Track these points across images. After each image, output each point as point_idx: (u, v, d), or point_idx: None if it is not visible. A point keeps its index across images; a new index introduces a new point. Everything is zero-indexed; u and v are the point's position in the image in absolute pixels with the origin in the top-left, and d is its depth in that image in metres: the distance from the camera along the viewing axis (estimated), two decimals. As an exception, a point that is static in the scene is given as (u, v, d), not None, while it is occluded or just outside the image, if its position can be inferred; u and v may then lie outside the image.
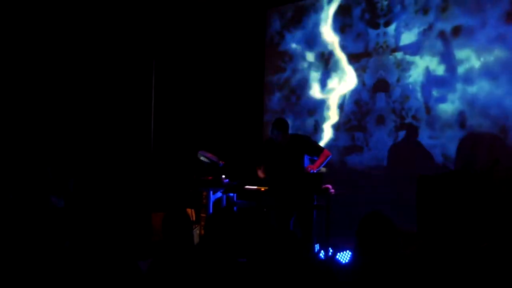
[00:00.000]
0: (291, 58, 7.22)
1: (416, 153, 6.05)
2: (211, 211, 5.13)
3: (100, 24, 6.69)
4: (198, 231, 6.34)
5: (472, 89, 5.58)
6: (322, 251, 5.25)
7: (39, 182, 5.20)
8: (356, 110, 6.56)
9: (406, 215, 5.07)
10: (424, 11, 5.99)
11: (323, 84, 6.90)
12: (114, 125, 6.74)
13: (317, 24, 6.95)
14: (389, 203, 5.74)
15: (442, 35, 5.85)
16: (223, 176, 5.17)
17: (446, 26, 5.82)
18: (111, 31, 6.78)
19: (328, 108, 6.85)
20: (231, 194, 5.16)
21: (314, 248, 5.18)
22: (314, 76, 6.97)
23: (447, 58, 5.82)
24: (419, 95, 6.02)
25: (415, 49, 6.05)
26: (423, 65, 5.97)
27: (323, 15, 6.89)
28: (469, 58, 5.62)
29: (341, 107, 6.67)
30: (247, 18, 7.42)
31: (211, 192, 5.15)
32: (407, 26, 6.13)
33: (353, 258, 2.93)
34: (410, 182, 5.11)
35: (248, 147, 6.97)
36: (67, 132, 6.49)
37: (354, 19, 6.61)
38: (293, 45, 7.22)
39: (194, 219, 6.65)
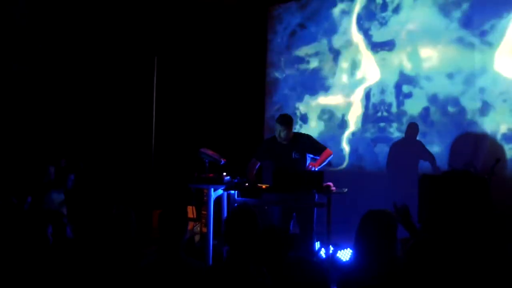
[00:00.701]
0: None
1: (418, 151, 6.05)
2: (212, 208, 5.12)
3: (103, 22, 6.68)
4: (199, 228, 6.34)
5: None
6: (323, 249, 5.25)
7: (40, 180, 5.21)
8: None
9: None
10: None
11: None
12: (116, 123, 6.74)
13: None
14: (390, 202, 5.74)
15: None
16: (224, 174, 5.17)
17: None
18: (113, 29, 6.78)
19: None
20: (232, 192, 5.15)
21: (314, 245, 5.17)
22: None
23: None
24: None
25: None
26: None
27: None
28: None
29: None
30: (249, 15, 7.41)
31: (212, 189, 5.14)
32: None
33: (354, 256, 2.91)
34: (411, 181, 5.12)
35: (249, 144, 6.97)
36: (68, 128, 6.50)
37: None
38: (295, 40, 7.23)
39: (195, 216, 6.66)
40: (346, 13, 6.78)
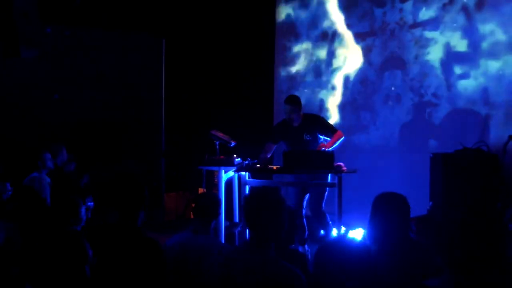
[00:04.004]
0: (297, 36, 7.20)
1: (430, 131, 6.02)
2: (222, 190, 5.14)
3: (111, 4, 6.66)
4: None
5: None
6: (334, 229, 5.26)
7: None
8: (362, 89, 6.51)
9: (419, 194, 5.07)
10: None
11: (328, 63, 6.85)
12: (126, 105, 6.75)
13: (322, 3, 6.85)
14: (401, 181, 5.74)
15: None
16: (235, 156, 5.18)
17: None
18: (121, 12, 6.75)
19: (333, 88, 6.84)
20: (243, 174, 5.17)
21: (329, 225, 5.19)
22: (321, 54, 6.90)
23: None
24: (439, 72, 5.91)
25: (435, 25, 5.92)
26: (443, 41, 5.86)
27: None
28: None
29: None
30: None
31: (223, 171, 5.16)
32: (426, 2, 6.00)
33: (368, 238, 2.91)
34: (423, 160, 5.10)
35: (259, 127, 6.97)
36: (78, 112, 6.52)
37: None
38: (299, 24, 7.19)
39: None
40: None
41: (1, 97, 6.06)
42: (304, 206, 5.24)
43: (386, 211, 2.74)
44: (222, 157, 5.22)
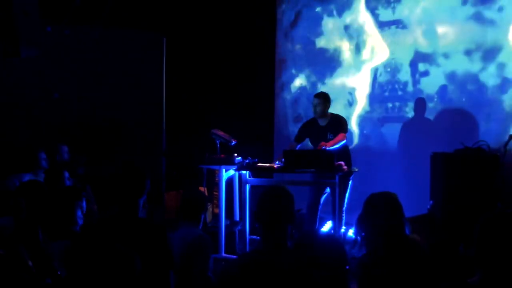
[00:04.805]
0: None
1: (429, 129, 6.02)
2: (223, 189, 5.14)
3: (112, 3, 6.64)
4: (211, 209, 6.38)
5: None
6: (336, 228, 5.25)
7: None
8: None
9: (420, 192, 5.07)
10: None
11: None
12: (127, 104, 6.74)
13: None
14: (402, 180, 5.74)
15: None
16: (235, 155, 5.18)
17: None
18: (122, 11, 6.74)
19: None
20: (244, 172, 5.17)
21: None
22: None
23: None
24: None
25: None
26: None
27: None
28: None
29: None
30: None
31: (224, 169, 5.16)
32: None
33: (362, 239, 2.90)
34: (422, 159, 5.10)
35: (260, 126, 6.97)
36: (79, 110, 6.51)
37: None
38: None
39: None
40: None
41: (1, 97, 6.05)
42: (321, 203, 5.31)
43: (376, 211, 2.72)
44: (222, 156, 5.23)
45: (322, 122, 5.34)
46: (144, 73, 6.94)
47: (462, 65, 5.82)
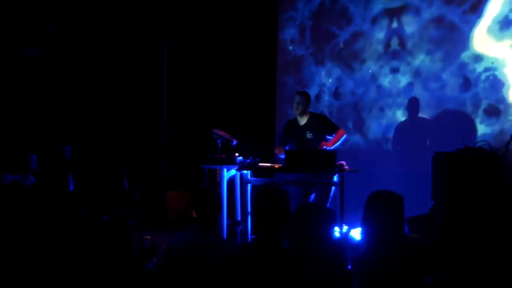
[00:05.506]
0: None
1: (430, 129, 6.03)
2: (225, 189, 5.14)
3: (112, 3, 6.65)
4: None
5: None
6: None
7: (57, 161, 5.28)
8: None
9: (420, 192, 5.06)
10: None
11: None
12: (127, 105, 6.75)
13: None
14: (403, 180, 5.73)
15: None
16: (237, 154, 5.18)
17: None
18: (122, 11, 6.75)
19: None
20: (245, 172, 5.17)
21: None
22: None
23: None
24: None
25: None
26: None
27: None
28: None
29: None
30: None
31: (225, 169, 5.16)
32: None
33: (362, 238, 2.91)
34: (424, 159, 5.10)
35: (261, 126, 6.96)
36: (80, 111, 6.53)
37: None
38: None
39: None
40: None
41: (1, 96, 6.06)
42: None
43: (377, 209, 2.72)
44: (224, 155, 5.23)
45: (302, 121, 5.35)
46: (145, 73, 6.95)
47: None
